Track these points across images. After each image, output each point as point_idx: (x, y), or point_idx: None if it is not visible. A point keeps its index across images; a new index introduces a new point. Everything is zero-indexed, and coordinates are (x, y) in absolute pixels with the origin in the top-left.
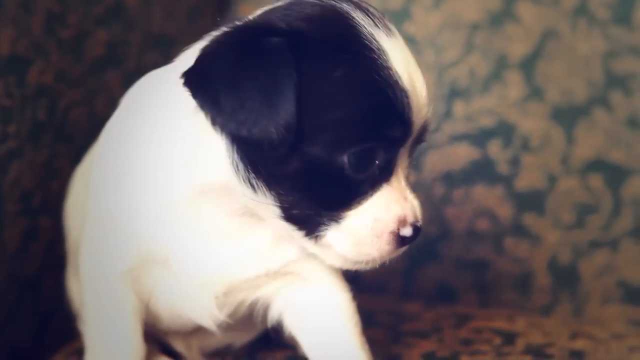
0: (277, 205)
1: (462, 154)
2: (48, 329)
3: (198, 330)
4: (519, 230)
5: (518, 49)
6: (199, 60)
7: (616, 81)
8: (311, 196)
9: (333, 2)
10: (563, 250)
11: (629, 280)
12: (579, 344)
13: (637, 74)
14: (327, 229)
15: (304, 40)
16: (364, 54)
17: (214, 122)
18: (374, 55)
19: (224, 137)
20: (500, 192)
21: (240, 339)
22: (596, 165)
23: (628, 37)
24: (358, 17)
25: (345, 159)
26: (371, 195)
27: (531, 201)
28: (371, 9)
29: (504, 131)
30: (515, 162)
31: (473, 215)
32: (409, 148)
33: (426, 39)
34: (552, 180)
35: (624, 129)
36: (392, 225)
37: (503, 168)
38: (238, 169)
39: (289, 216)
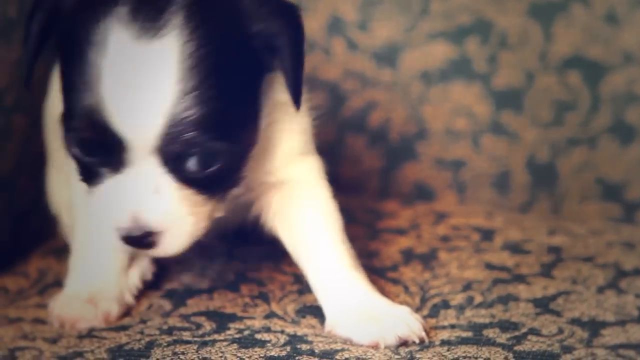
0: None
1: (439, 52)
2: (24, 228)
3: None
4: (497, 129)
5: None
6: None
7: None
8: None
9: None
10: (541, 148)
11: (606, 177)
12: (557, 240)
13: None
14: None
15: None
16: (84, 41)
17: None
18: (88, 49)
19: None
20: (477, 90)
21: None
22: (574, 61)
23: None
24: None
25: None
26: (99, 182)
27: (509, 99)
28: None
29: (481, 28)
30: (492, 60)
31: (450, 114)
32: (160, 154)
33: None
34: (530, 77)
35: (602, 25)
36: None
37: (480, 66)
38: None
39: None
